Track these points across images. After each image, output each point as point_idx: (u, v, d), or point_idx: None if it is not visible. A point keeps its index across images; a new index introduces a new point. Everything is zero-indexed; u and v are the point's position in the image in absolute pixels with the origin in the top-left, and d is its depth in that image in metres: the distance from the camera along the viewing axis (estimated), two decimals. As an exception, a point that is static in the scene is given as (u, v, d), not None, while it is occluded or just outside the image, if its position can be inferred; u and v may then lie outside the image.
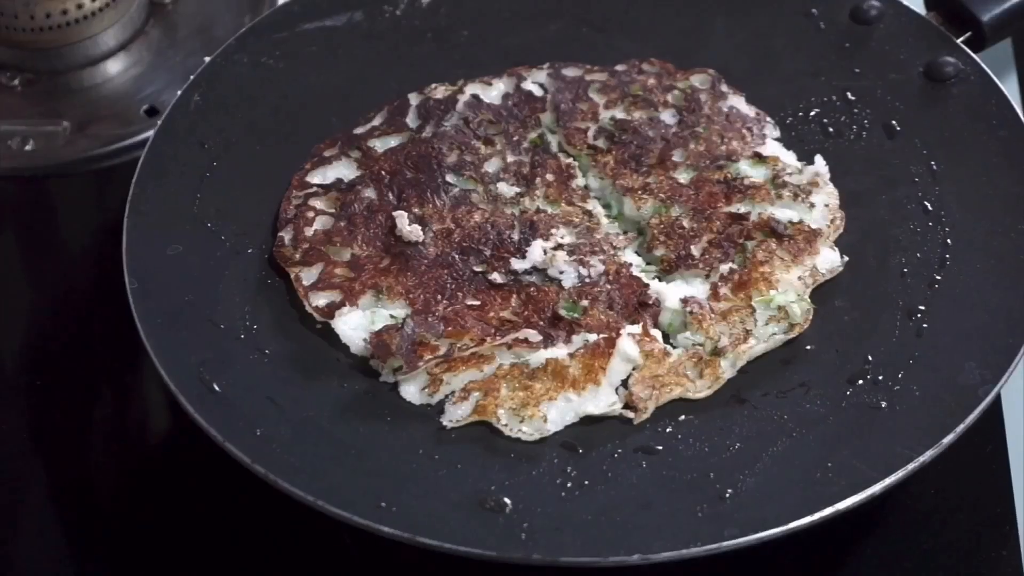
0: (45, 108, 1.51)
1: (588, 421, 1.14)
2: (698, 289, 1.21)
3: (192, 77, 1.36)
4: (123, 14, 1.54)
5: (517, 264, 1.22)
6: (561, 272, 1.21)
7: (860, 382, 1.14)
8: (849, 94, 1.35)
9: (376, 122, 1.35)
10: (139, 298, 1.18)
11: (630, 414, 1.14)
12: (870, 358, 1.16)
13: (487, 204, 1.28)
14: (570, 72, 1.38)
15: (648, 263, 1.24)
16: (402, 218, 1.25)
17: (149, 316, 1.17)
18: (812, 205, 1.25)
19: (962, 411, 1.09)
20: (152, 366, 1.14)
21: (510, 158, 1.31)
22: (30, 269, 1.45)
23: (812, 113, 1.34)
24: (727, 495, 1.07)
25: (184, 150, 1.31)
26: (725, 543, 1.03)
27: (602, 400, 1.14)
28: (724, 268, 1.21)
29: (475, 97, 1.36)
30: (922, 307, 1.18)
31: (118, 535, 1.23)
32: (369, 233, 1.26)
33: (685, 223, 1.25)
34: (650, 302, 1.20)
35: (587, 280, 1.21)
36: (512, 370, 1.16)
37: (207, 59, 1.39)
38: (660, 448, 1.11)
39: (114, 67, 1.54)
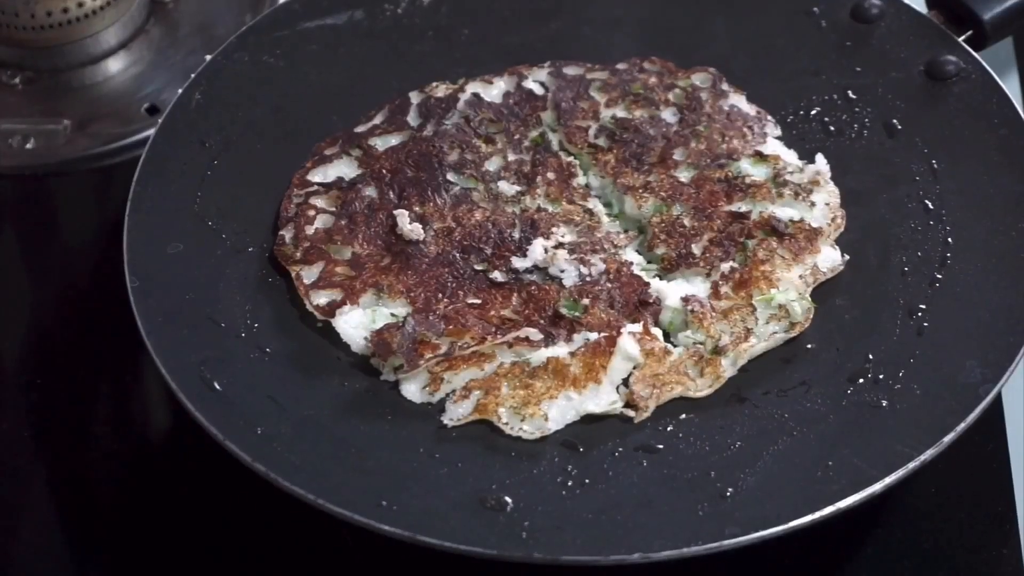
0: (46, 106, 1.50)
1: (589, 420, 1.14)
2: (699, 288, 1.21)
3: (193, 76, 1.36)
4: (124, 12, 1.54)
5: (518, 263, 1.22)
6: (562, 271, 1.21)
7: (861, 381, 1.14)
8: (850, 92, 1.35)
9: (377, 120, 1.35)
10: (140, 297, 1.18)
11: (631, 413, 1.14)
12: (871, 357, 1.15)
13: (488, 203, 1.27)
14: (571, 70, 1.38)
15: (649, 262, 1.24)
16: (403, 216, 1.25)
17: (150, 314, 1.17)
18: (813, 204, 1.25)
19: (963, 410, 1.09)
20: (152, 365, 1.14)
21: (511, 157, 1.31)
22: (30, 268, 1.45)
23: (813, 112, 1.34)
24: (728, 494, 1.07)
25: (185, 149, 1.31)
26: (726, 542, 1.03)
27: (603, 399, 1.14)
28: (725, 267, 1.21)
29: (476, 96, 1.36)
30: (923, 306, 1.18)
31: (118, 535, 1.23)
32: (370, 232, 1.26)
33: (686, 222, 1.25)
34: (651, 301, 1.20)
35: (588, 279, 1.21)
36: (513, 369, 1.16)
37: (208, 57, 1.39)
38: (661, 447, 1.11)
39: (115, 65, 1.54)
